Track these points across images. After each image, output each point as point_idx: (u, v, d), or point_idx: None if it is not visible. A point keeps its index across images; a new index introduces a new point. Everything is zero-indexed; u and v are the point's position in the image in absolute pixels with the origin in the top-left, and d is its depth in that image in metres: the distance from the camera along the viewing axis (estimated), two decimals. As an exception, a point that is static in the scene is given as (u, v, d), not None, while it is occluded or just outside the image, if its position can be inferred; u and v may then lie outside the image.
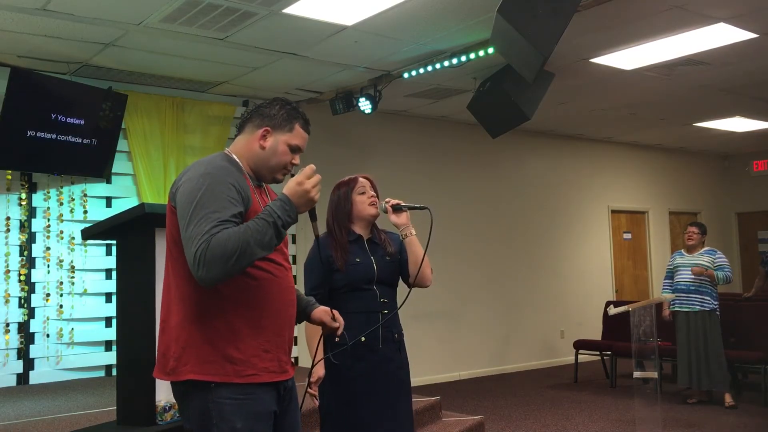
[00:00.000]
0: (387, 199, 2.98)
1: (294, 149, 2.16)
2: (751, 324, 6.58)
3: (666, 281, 6.77)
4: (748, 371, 7.04)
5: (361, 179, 2.99)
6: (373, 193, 2.98)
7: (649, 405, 5.14)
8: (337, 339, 2.66)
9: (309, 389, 2.65)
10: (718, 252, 6.56)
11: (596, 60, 6.25)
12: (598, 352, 8.00)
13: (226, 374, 1.99)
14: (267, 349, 2.06)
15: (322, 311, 2.37)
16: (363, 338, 2.76)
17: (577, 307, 9.67)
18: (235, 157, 2.14)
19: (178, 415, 3.38)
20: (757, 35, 5.66)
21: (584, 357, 8.14)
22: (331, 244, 2.89)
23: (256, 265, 2.04)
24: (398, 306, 2.91)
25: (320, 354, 2.67)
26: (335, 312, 2.38)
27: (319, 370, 2.73)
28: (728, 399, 6.39)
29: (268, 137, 2.13)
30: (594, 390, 7.51)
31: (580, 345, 8.04)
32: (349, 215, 2.94)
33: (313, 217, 2.14)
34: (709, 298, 6.36)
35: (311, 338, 2.74)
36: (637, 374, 5.12)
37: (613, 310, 5.46)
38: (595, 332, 8.48)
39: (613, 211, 10.51)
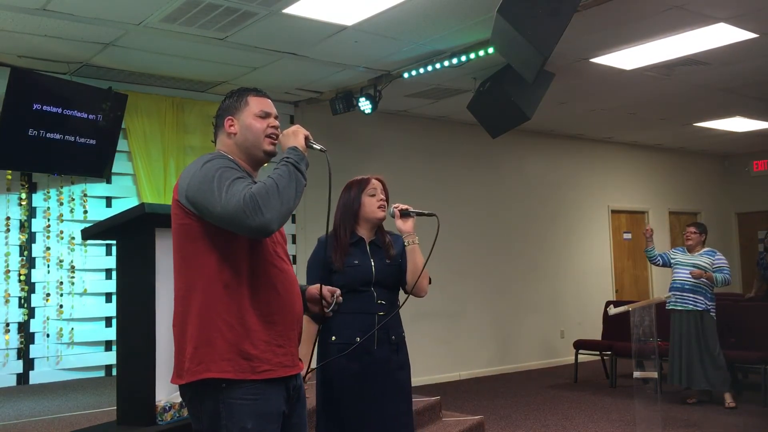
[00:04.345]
0: (396, 204, 2.99)
1: (262, 116, 2.20)
2: (751, 324, 6.57)
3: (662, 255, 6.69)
4: (748, 371, 7.03)
5: (373, 180, 2.99)
6: (383, 196, 2.98)
7: (649, 405, 5.14)
8: (333, 338, 2.73)
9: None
10: (718, 253, 6.51)
11: (596, 60, 6.25)
12: (598, 352, 7.99)
13: (242, 371, 1.98)
14: (281, 344, 2.07)
15: (315, 286, 2.42)
16: (358, 338, 2.76)
17: (577, 307, 9.67)
18: (227, 155, 2.20)
19: (178, 415, 3.38)
20: (757, 35, 5.66)
21: (584, 357, 8.13)
22: (333, 245, 2.90)
23: (262, 260, 2.07)
24: (398, 308, 2.92)
25: (314, 355, 2.68)
26: (329, 288, 2.43)
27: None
28: (728, 399, 6.37)
29: (234, 123, 2.20)
30: (594, 390, 7.51)
31: (580, 345, 8.04)
32: (356, 216, 2.94)
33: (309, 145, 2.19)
34: (702, 298, 6.31)
35: (307, 338, 2.71)
36: (637, 374, 5.11)
37: (613, 310, 5.46)
38: (595, 332, 8.48)
39: (613, 211, 10.51)
